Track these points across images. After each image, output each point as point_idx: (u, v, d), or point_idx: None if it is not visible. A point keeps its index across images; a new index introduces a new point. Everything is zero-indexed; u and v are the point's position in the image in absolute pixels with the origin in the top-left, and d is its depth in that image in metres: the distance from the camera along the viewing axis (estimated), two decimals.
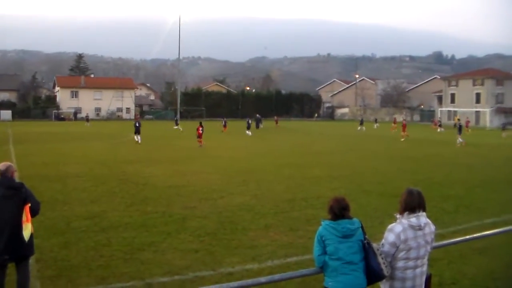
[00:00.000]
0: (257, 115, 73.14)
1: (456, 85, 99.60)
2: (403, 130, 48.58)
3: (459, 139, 40.35)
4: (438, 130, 60.98)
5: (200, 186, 18.37)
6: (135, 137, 39.76)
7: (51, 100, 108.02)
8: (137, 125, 40.36)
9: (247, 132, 53.11)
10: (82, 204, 15.07)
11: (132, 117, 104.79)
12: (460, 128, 40.98)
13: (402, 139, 46.26)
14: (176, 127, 61.84)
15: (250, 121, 56.48)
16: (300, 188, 18.13)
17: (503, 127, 55.89)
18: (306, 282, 8.34)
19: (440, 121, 67.68)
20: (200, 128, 37.74)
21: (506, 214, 13.98)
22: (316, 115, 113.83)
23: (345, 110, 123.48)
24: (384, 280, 5.63)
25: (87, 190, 17.52)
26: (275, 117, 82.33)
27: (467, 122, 56.50)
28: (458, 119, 49.98)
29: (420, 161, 28.16)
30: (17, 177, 7.66)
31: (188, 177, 20.86)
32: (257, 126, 66.64)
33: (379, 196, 16.56)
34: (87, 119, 78.77)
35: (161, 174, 21.59)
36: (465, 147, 38.70)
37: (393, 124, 67.00)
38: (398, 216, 5.69)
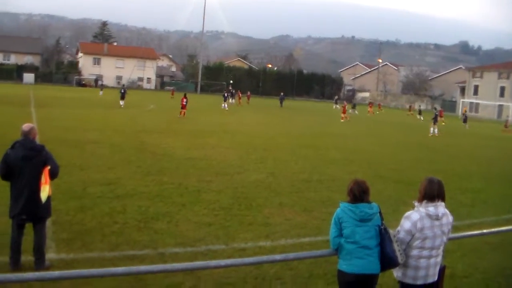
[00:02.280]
0: (281, 93, 72.79)
1: (481, 77, 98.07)
2: (343, 112, 49.90)
3: (433, 129, 38.53)
4: (419, 118, 60.99)
5: (217, 161, 18.42)
6: (120, 101, 45.12)
7: (74, 65, 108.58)
8: (123, 91, 46.36)
9: (223, 104, 54.05)
10: (99, 170, 15.19)
11: (153, 87, 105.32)
12: (435, 118, 39.58)
13: (342, 120, 47.30)
14: (223, 104, 54.85)
15: (226, 95, 57.63)
16: (317, 169, 18.10)
17: (464, 120, 54.22)
18: (318, 263, 8.35)
19: (420, 109, 67.00)
20: (184, 100, 38.81)
21: None
22: (336, 97, 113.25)
23: (366, 94, 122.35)
24: (397, 268, 5.61)
25: (104, 157, 17.66)
26: (248, 93, 77.09)
27: (441, 111, 55.78)
28: (435, 108, 48.75)
29: (438, 151, 27.89)
30: (38, 140, 7.72)
31: (206, 150, 20.92)
32: (281, 104, 66.75)
33: (395, 184, 16.46)
34: (101, 87, 75.23)
35: (179, 146, 21.66)
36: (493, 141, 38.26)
37: (369, 109, 69.07)
38: (416, 204, 5.64)
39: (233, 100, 66.08)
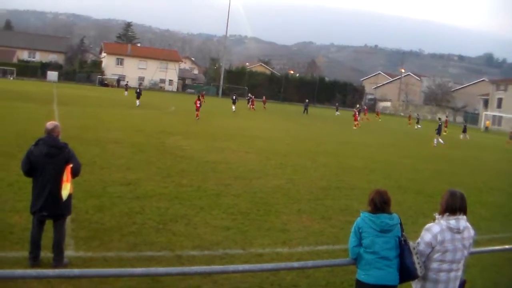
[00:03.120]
0: (306, 100, 72.50)
1: (505, 90, 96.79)
2: (355, 119, 50.25)
3: (437, 139, 37.80)
4: (416, 127, 61.05)
5: (237, 165, 18.41)
6: (136, 101, 46.75)
7: (97, 65, 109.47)
8: (138, 91, 48.76)
9: (233, 107, 54.73)
10: (119, 170, 15.29)
11: (175, 89, 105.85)
12: (439, 128, 38.85)
13: (354, 127, 47.90)
14: (234, 107, 55.58)
15: (235, 97, 58.06)
16: (336, 177, 18.01)
17: (464, 130, 52.88)
18: (334, 272, 8.32)
19: (418, 118, 66.14)
20: (198, 102, 39.08)
21: None
22: (357, 106, 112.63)
23: (387, 104, 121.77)
24: (416, 280, 5.56)
25: (124, 157, 17.76)
26: (263, 98, 75.39)
27: (446, 121, 55.40)
28: (439, 118, 47.86)
29: (457, 163, 27.57)
30: (61, 138, 7.80)
31: (226, 154, 20.94)
32: (305, 111, 66.15)
33: (415, 195, 16.31)
34: (126, 87, 73.51)
35: (199, 149, 21.71)
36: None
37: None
38: (437, 216, 5.58)
39: (249, 105, 65.91)
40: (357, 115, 51.25)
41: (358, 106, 76.10)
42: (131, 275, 5.45)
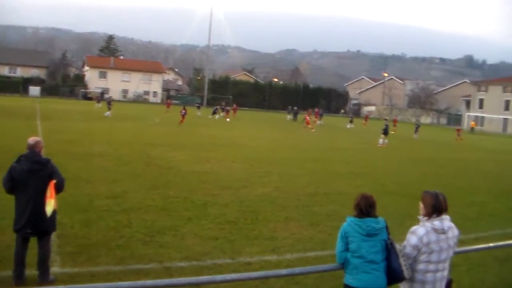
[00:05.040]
0: (294, 107, 72.09)
1: (486, 91, 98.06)
2: (307, 123, 50.64)
3: (382, 140, 37.82)
4: (348, 126, 61.51)
5: (223, 174, 18.40)
6: (107, 112, 49.44)
7: (80, 79, 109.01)
8: (109, 101, 52.13)
9: (210, 116, 58.63)
10: (105, 183, 15.21)
11: (159, 101, 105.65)
12: (385, 129, 38.64)
13: (313, 130, 48.40)
14: (199, 113, 62.10)
15: (217, 108, 61.65)
16: (322, 183, 18.05)
17: (416, 129, 52.75)
18: (324, 277, 8.31)
19: (351, 118, 65.94)
20: (183, 111, 44.31)
21: None
22: (342, 111, 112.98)
23: (372, 108, 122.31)
24: (403, 282, 5.57)
25: (110, 170, 17.67)
26: (234, 105, 73.68)
27: (395, 120, 55.94)
28: (385, 119, 47.89)
29: (443, 165, 27.69)
30: (43, 153, 7.74)
31: (212, 164, 20.91)
32: (294, 119, 65.90)
33: (401, 198, 16.36)
34: (97, 99, 71.31)
35: (184, 159, 21.67)
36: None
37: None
38: (421, 218, 5.61)
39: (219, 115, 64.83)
40: (308, 119, 51.42)
41: (315, 109, 73.19)
42: None
